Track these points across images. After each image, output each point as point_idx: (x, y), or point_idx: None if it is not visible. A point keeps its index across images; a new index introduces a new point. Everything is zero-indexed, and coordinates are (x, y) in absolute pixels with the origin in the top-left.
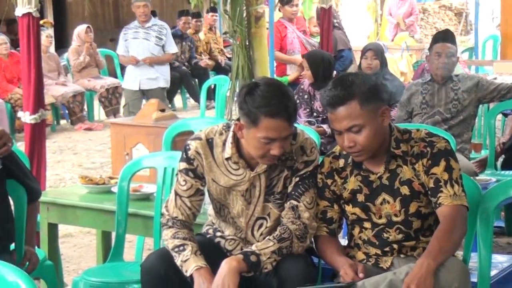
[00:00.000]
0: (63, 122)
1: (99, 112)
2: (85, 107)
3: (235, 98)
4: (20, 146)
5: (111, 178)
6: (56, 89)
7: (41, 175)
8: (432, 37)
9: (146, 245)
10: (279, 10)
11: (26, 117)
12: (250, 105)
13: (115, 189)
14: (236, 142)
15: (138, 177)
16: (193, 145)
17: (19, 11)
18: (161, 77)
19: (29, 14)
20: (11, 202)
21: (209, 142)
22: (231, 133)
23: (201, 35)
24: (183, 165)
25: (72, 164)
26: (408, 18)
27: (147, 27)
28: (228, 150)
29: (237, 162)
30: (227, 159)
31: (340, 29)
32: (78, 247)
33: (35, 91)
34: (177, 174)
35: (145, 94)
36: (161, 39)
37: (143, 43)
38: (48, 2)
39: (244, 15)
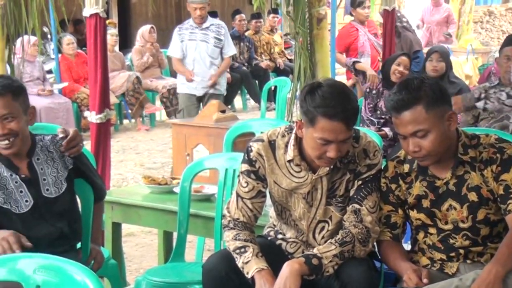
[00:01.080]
0: (125, 121)
1: (160, 112)
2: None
3: (296, 100)
4: (86, 145)
5: (173, 178)
6: (119, 79)
7: (106, 174)
8: (503, 40)
9: (206, 245)
10: (351, 12)
11: (92, 116)
12: (309, 104)
13: (177, 190)
14: (299, 144)
15: (198, 178)
16: (255, 147)
17: (86, 12)
18: (219, 83)
19: (96, 14)
20: (78, 201)
21: (271, 144)
22: (293, 135)
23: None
24: (245, 166)
25: (134, 163)
26: (449, 29)
27: (205, 27)
28: (290, 152)
29: (299, 165)
30: (289, 161)
31: (410, 31)
32: (139, 247)
33: (101, 90)
34: (238, 176)
35: (201, 100)
36: (220, 40)
37: (201, 45)
38: (113, 3)
39: (306, 16)
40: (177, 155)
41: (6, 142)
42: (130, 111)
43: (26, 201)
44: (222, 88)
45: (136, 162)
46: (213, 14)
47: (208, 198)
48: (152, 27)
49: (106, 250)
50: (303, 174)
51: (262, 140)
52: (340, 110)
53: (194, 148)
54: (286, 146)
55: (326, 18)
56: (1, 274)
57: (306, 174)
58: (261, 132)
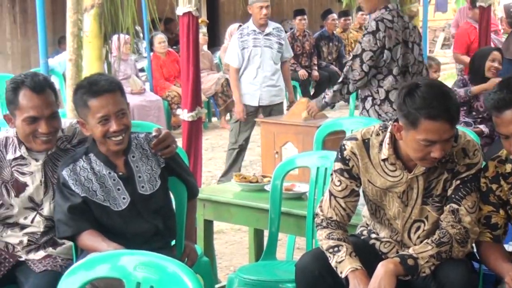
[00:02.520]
0: (214, 119)
1: None
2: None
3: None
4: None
5: (264, 176)
6: (208, 81)
7: (197, 172)
8: None
9: (296, 244)
10: (468, 11)
11: (184, 114)
12: (409, 106)
13: (268, 188)
14: (393, 143)
15: (287, 176)
16: (348, 145)
17: (180, 10)
18: (283, 92)
19: (189, 13)
20: (172, 199)
21: (365, 143)
22: (388, 134)
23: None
24: (338, 165)
25: (223, 161)
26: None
27: (268, 32)
28: (385, 151)
29: (394, 164)
30: (383, 160)
31: None
32: (229, 244)
33: (193, 89)
34: (331, 174)
35: (261, 110)
36: (281, 45)
37: (266, 52)
38: (202, 1)
39: None
40: (266, 153)
41: (120, 137)
42: (217, 108)
43: (124, 198)
44: (285, 94)
45: (225, 160)
46: (301, 12)
47: (299, 197)
48: (240, 25)
49: (199, 248)
50: (398, 173)
51: (356, 139)
52: (443, 109)
53: (282, 146)
54: (381, 144)
55: (417, 15)
56: (103, 270)
57: (401, 173)
58: (352, 131)
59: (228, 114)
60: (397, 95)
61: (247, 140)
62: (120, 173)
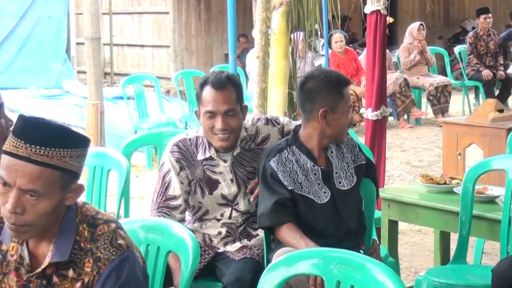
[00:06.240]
0: (390, 118)
1: (426, 109)
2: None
3: None
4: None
5: (452, 178)
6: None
7: (380, 171)
8: None
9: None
10: None
11: (368, 113)
12: None
13: (457, 190)
14: None
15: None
16: None
17: (368, 9)
18: None
19: (377, 11)
20: None
21: None
22: None
23: None
24: None
25: (400, 161)
26: None
27: None
28: None
29: None
30: None
31: None
32: (409, 245)
33: (378, 87)
34: None
35: None
36: None
37: None
38: None
39: None
40: (448, 154)
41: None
42: (395, 109)
43: (325, 192)
44: None
45: (402, 160)
46: (485, 10)
47: (492, 200)
48: (421, 24)
49: (384, 248)
50: None
51: None
52: None
53: (466, 147)
54: None
55: None
56: (304, 267)
57: None
58: None
59: (406, 115)
60: None
61: None
62: (322, 167)
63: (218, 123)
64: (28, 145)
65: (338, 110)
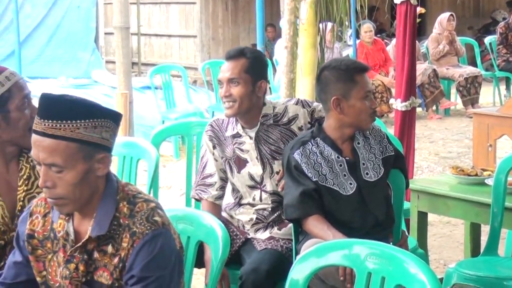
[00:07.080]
0: (418, 109)
1: (455, 100)
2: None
3: None
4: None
5: (483, 170)
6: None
7: (410, 162)
8: None
9: None
10: None
11: (397, 104)
12: None
13: (489, 182)
14: None
15: None
16: None
17: None
18: None
19: (407, 1)
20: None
21: None
22: None
23: None
24: None
25: (428, 152)
26: None
27: None
28: None
29: None
30: None
31: None
32: (438, 237)
33: (407, 78)
34: None
35: None
36: None
37: None
38: None
39: None
40: (478, 145)
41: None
42: (424, 100)
43: (350, 183)
44: None
45: (431, 151)
46: None
47: None
48: (451, 15)
49: (413, 240)
50: None
51: None
52: None
53: (497, 139)
54: None
55: None
56: (335, 258)
57: None
58: None
59: (435, 106)
60: None
61: None
62: (347, 158)
63: (222, 90)
64: (42, 120)
65: (351, 97)
